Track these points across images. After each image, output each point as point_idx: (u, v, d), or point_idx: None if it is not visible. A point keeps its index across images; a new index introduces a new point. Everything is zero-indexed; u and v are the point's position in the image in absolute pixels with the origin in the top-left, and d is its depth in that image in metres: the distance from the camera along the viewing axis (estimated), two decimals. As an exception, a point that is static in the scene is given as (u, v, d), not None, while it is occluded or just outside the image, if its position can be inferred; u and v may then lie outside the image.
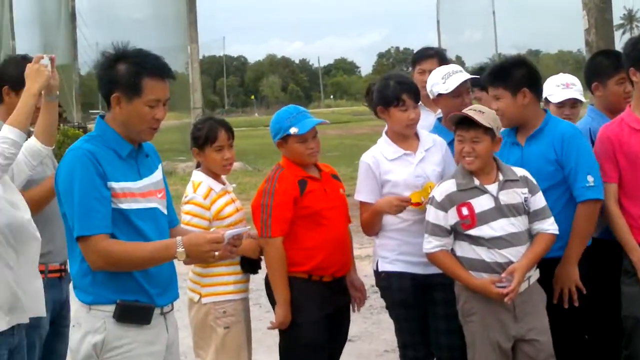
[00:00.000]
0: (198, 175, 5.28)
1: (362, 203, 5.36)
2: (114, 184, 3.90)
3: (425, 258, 5.04)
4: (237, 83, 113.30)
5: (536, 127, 5.12)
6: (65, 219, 3.97)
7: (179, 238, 3.90)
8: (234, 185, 5.50)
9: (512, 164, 5.00)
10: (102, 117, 4.08)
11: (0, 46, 31.04)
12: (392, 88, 5.30)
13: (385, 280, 5.36)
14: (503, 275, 4.76)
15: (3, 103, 5.02)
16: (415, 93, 5.36)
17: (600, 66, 5.57)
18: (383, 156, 5.32)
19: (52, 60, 4.56)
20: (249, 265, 5.27)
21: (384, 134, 5.45)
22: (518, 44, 69.18)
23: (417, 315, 5.28)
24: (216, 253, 3.95)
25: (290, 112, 5.15)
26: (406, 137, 5.36)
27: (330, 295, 5.16)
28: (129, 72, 3.92)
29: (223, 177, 5.38)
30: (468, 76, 5.66)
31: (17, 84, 4.89)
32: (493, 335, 4.84)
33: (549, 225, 4.89)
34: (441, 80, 5.64)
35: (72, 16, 30.27)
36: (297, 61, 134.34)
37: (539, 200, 4.91)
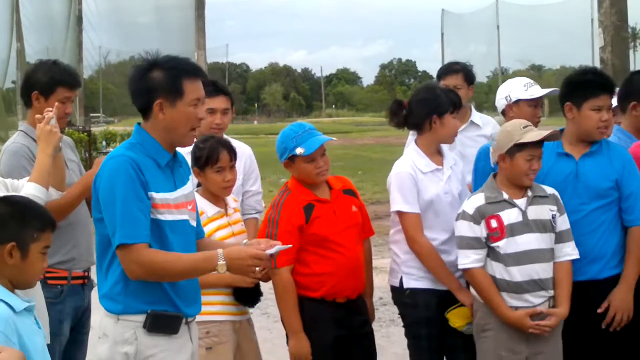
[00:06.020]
0: None
1: (403, 213, 5.18)
2: (155, 194, 3.89)
3: (457, 273, 5.03)
4: (239, 90, 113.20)
5: (596, 143, 5.06)
6: (100, 225, 3.93)
7: (220, 250, 3.87)
8: (236, 205, 5.28)
9: (564, 176, 4.98)
10: (139, 124, 4.06)
11: (9, 48, 31.07)
12: (445, 95, 5.29)
13: (410, 297, 5.24)
14: (544, 311, 4.77)
15: (32, 108, 5.02)
16: (461, 102, 5.45)
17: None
18: (417, 168, 5.22)
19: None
20: (244, 297, 5.06)
21: (412, 144, 5.37)
22: (522, 59, 69.02)
23: (438, 334, 5.20)
24: (257, 269, 3.92)
25: (295, 130, 4.96)
26: (435, 151, 5.31)
27: (344, 316, 5.02)
28: (167, 77, 3.92)
29: (229, 198, 5.23)
30: (551, 90, 5.81)
31: (47, 90, 4.92)
32: (505, 355, 4.82)
33: (572, 250, 4.89)
34: (523, 87, 5.77)
35: (79, 19, 30.26)
36: (299, 70, 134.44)
37: (565, 222, 4.89)
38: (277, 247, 3.96)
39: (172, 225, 3.96)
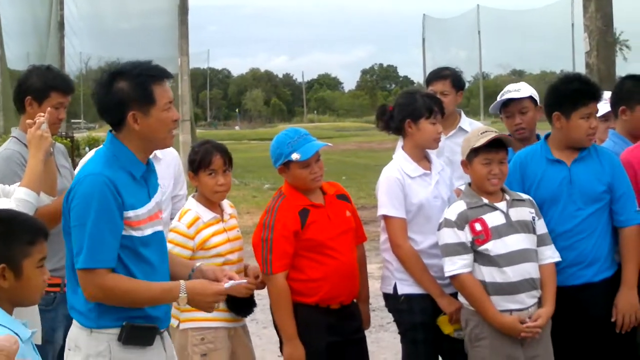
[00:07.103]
0: (189, 202, 5.12)
1: (388, 217, 5.20)
2: (131, 213, 3.84)
3: (445, 279, 5.01)
4: (220, 96, 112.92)
5: (584, 148, 5.08)
6: (68, 239, 3.88)
7: (182, 283, 3.86)
8: (232, 211, 5.24)
9: (559, 182, 5.00)
10: (112, 133, 3.98)
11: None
12: (422, 101, 5.28)
13: (405, 303, 5.23)
14: (530, 320, 4.78)
15: (25, 113, 4.98)
16: (442, 108, 5.39)
17: (629, 90, 5.51)
18: (405, 173, 5.22)
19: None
20: (237, 307, 5.03)
21: (400, 150, 5.38)
22: (502, 64, 69.41)
23: (435, 338, 5.20)
24: (217, 305, 3.97)
25: (291, 136, 4.93)
26: (422, 156, 5.32)
27: (337, 322, 5.01)
28: (136, 87, 3.85)
29: (225, 203, 5.20)
30: (526, 94, 5.74)
31: (40, 95, 4.89)
32: None
33: (554, 253, 4.93)
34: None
35: (61, 25, 30.09)
36: (280, 75, 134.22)
37: (543, 226, 4.94)
38: (232, 282, 3.98)
39: (146, 240, 3.91)
